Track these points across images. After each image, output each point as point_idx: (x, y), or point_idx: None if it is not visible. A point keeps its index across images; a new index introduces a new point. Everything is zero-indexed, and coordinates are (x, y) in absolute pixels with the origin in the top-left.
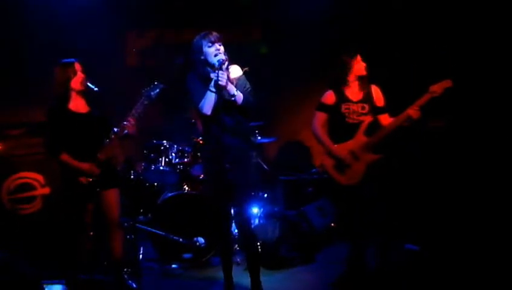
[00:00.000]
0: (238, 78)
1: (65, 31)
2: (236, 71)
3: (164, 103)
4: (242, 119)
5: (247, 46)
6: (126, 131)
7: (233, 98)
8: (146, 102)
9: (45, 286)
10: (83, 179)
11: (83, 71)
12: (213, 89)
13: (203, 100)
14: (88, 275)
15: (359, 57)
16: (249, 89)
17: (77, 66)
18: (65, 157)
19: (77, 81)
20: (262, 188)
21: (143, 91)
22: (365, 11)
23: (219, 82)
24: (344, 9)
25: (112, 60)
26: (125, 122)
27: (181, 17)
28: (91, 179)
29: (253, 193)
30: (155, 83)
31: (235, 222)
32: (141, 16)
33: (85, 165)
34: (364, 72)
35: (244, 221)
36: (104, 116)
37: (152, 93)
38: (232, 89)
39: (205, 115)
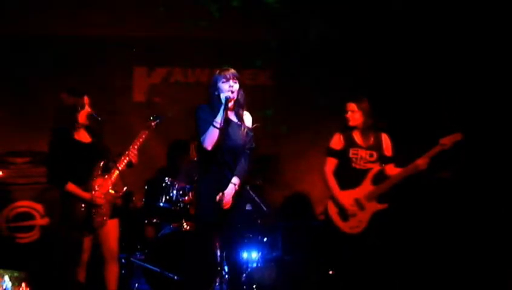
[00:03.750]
0: (246, 128)
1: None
2: (248, 118)
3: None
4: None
5: (257, 89)
6: (127, 160)
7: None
8: (146, 132)
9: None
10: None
11: (90, 105)
12: (217, 125)
13: (205, 134)
14: None
15: (350, 106)
16: (252, 147)
17: (86, 99)
18: (71, 187)
19: (84, 114)
20: (261, 232)
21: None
22: (377, 60)
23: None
24: (355, 57)
25: (120, 95)
26: (127, 152)
27: (190, 57)
28: (96, 209)
29: (244, 235)
30: (155, 115)
31: (226, 265)
32: (150, 54)
33: (87, 195)
34: (353, 124)
35: (235, 264)
36: (104, 146)
37: (152, 124)
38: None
39: (205, 150)
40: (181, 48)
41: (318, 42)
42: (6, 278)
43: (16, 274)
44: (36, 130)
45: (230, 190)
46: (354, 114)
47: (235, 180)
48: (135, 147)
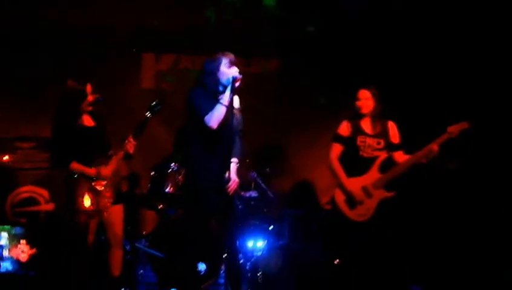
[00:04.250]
0: (237, 111)
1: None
2: (236, 101)
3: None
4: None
5: (266, 77)
6: (124, 150)
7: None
8: (146, 121)
9: None
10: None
11: (94, 91)
12: (225, 103)
13: (210, 113)
14: None
15: (362, 93)
16: (242, 130)
17: (89, 88)
18: (75, 165)
19: (88, 102)
20: (267, 220)
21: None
22: (384, 51)
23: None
24: (363, 47)
25: (128, 81)
26: (126, 141)
27: (199, 44)
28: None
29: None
30: (155, 102)
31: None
32: (159, 40)
33: (92, 171)
34: (365, 111)
35: (233, 255)
36: (105, 133)
37: (154, 109)
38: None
39: (209, 128)
40: (190, 34)
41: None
42: (4, 235)
43: (13, 231)
44: (42, 115)
45: (234, 169)
46: (368, 101)
47: (235, 160)
48: (133, 137)
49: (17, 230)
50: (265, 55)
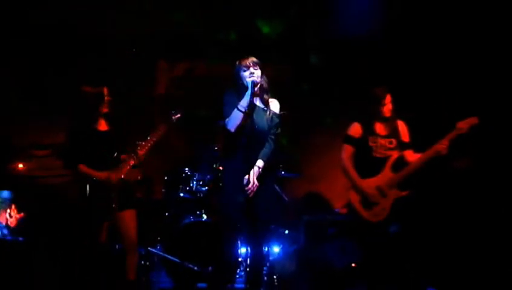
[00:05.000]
0: (272, 113)
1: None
2: (275, 105)
3: (188, 132)
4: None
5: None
6: (135, 153)
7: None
8: (164, 128)
9: None
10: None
11: (110, 94)
12: (242, 109)
13: (230, 116)
14: None
15: (389, 98)
16: (276, 132)
17: (106, 91)
18: (82, 167)
19: (105, 105)
20: (283, 225)
21: (164, 118)
22: (393, 52)
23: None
24: (372, 50)
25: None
26: (139, 147)
27: (212, 51)
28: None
29: (272, 228)
30: (174, 110)
31: (250, 257)
32: (172, 47)
33: (103, 174)
34: (388, 114)
35: (259, 259)
36: (122, 136)
37: (172, 118)
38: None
39: (228, 131)
40: (204, 42)
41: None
42: None
43: (2, 197)
44: (56, 123)
45: (255, 172)
46: (390, 105)
47: (260, 163)
48: (151, 141)
49: (5, 195)
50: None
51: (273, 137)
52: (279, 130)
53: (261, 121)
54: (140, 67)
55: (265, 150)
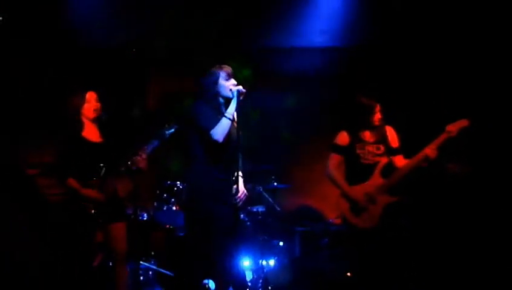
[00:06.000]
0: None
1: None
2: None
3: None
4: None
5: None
6: (136, 166)
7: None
8: (159, 140)
9: None
10: (89, 208)
11: (97, 100)
12: (230, 117)
13: (216, 126)
14: None
15: (378, 107)
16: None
17: (91, 94)
18: (71, 182)
19: (90, 109)
20: (277, 236)
21: (159, 130)
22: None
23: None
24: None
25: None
26: (136, 157)
27: (201, 67)
28: (93, 211)
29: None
30: (170, 124)
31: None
32: (164, 62)
33: (91, 193)
34: (377, 123)
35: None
36: (117, 147)
37: (166, 132)
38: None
39: (215, 142)
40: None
41: None
42: None
43: None
44: (46, 140)
45: (243, 183)
46: (379, 114)
47: (240, 173)
48: (145, 153)
49: None
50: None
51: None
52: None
53: (233, 129)
54: (131, 80)
55: (241, 161)
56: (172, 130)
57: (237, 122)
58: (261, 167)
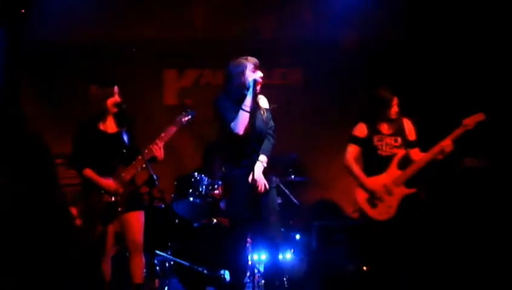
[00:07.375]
0: (265, 111)
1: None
2: (264, 102)
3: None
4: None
5: (286, 88)
6: (152, 154)
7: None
8: (176, 127)
9: None
10: (107, 197)
11: (120, 95)
12: (247, 109)
13: (235, 120)
14: None
15: (396, 100)
16: (273, 127)
17: (116, 89)
18: (88, 172)
19: (113, 102)
20: (294, 229)
21: (176, 118)
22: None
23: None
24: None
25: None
26: (153, 145)
27: (219, 58)
28: (113, 199)
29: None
30: (187, 110)
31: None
32: (180, 56)
33: (107, 182)
34: (394, 117)
35: (275, 263)
36: (132, 138)
37: (183, 119)
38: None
39: (236, 135)
40: (211, 49)
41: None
42: None
43: None
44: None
45: (259, 168)
46: (396, 107)
47: (262, 158)
48: (162, 141)
49: None
50: (287, 67)
51: (271, 132)
52: (273, 124)
53: (259, 120)
54: (148, 76)
55: (268, 145)
56: (189, 116)
57: (265, 110)
58: (280, 158)
